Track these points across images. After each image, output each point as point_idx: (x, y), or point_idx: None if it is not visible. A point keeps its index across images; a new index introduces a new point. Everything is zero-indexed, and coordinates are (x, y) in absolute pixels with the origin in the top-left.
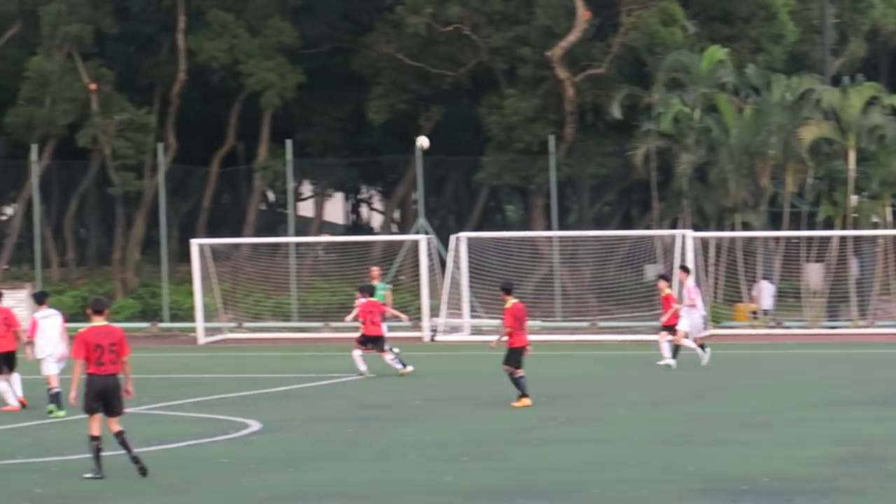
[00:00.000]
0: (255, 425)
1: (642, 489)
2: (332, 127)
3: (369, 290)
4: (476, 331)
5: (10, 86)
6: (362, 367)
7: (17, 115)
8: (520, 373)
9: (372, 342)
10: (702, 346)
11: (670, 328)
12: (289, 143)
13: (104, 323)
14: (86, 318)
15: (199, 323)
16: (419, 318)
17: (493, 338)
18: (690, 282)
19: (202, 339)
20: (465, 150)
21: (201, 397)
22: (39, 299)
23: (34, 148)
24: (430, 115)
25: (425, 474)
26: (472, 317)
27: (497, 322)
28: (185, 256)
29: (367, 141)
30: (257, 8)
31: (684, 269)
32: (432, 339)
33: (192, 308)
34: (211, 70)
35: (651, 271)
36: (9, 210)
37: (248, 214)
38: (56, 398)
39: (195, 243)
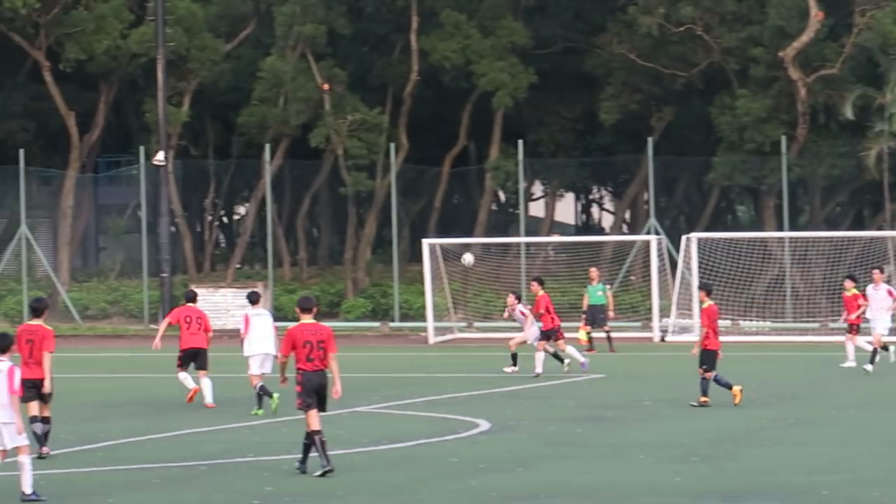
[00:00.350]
0: (484, 425)
1: (871, 491)
2: (563, 127)
3: (540, 282)
4: None
5: (244, 86)
6: (539, 369)
7: (251, 115)
8: (710, 375)
9: (551, 335)
10: (884, 348)
11: (855, 328)
12: (520, 143)
13: (312, 321)
14: (317, 318)
15: (430, 322)
16: (649, 319)
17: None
18: (885, 284)
19: (432, 338)
20: (696, 150)
21: (431, 396)
22: (253, 299)
23: (267, 148)
24: (661, 116)
25: (653, 475)
26: None
27: (727, 322)
28: (415, 256)
29: (598, 141)
30: (490, 8)
31: (881, 270)
32: (662, 340)
33: (422, 307)
34: (443, 70)
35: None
36: (241, 209)
37: (479, 214)
38: (262, 389)
39: (426, 243)
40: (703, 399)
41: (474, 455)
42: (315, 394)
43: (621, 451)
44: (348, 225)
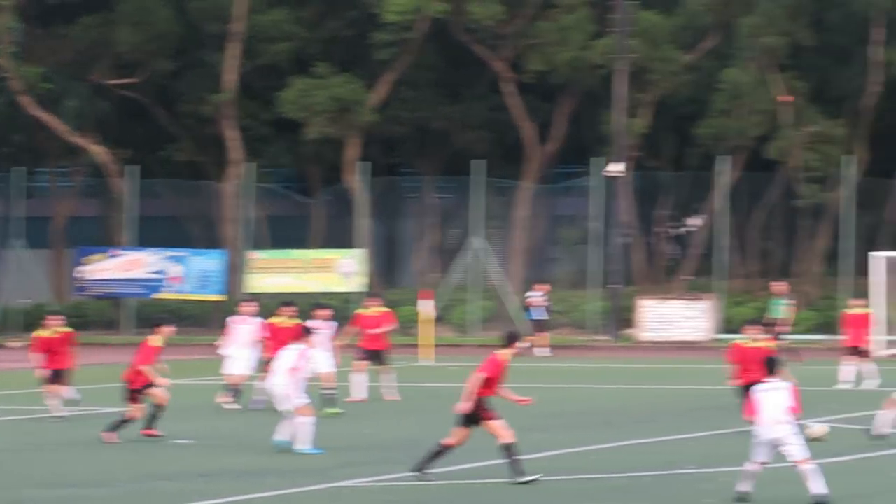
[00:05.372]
0: None
1: None
2: None
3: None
4: None
5: (702, 97)
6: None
7: (709, 126)
8: None
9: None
10: None
11: None
12: None
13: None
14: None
15: (880, 336)
16: None
17: None
18: None
19: (882, 351)
20: None
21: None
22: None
23: (719, 160)
24: None
25: None
26: None
27: None
28: (866, 269)
29: None
30: None
31: None
32: None
33: None
34: None
35: None
36: (695, 221)
37: None
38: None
39: (874, 256)
40: None
41: None
42: None
43: None
44: (800, 237)
